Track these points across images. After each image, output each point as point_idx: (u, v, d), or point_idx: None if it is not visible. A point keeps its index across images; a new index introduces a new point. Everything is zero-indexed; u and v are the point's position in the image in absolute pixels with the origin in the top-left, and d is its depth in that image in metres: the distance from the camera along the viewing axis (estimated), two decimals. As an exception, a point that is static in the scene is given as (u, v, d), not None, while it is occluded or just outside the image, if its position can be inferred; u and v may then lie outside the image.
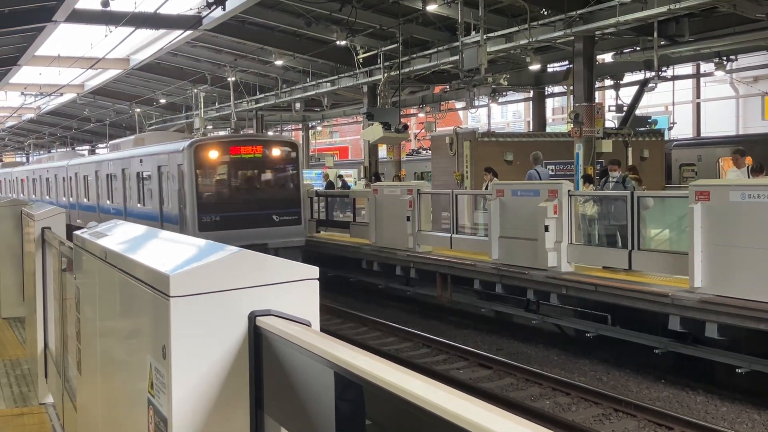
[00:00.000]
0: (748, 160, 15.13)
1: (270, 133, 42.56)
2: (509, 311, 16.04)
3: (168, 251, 3.35)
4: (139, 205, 23.55)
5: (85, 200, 30.38)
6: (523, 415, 9.27)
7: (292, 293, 2.64)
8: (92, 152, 57.08)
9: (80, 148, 64.95)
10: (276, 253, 17.49)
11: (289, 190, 20.85)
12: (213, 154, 19.77)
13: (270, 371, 2.56)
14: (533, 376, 12.21)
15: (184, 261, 2.75)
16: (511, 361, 13.13)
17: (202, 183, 19.73)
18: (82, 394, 4.74)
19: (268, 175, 21.13)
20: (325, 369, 2.16)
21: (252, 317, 2.58)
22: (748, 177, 13.75)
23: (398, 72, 24.67)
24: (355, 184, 34.04)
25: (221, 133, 44.58)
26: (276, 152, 20.69)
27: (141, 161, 23.40)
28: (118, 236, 4.10)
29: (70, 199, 32.73)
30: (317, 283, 2.69)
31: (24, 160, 67.44)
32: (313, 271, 2.70)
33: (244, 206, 19.76)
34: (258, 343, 2.57)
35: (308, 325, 2.57)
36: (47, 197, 36.68)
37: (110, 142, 31.25)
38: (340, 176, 34.70)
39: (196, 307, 2.55)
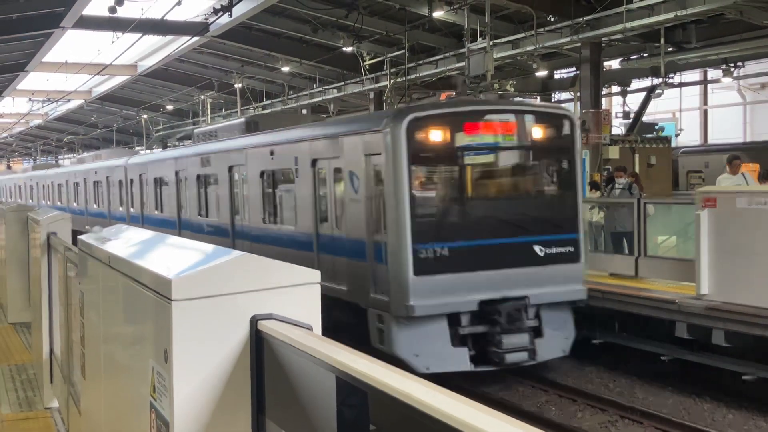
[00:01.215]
0: (756, 166, 15.10)
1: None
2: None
3: (171, 256, 3.36)
4: (266, 223, 15.65)
5: (157, 212, 22.46)
6: (529, 421, 9.19)
7: (293, 297, 2.64)
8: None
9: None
10: (537, 312, 11.72)
11: (561, 199, 12.39)
12: (436, 136, 11.47)
13: (271, 375, 2.55)
14: (539, 383, 12.17)
15: (186, 265, 2.75)
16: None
17: (421, 188, 11.65)
18: (86, 399, 4.74)
19: (525, 173, 12.72)
20: (327, 373, 2.15)
21: (253, 321, 2.58)
22: (746, 183, 13.69)
23: (404, 78, 24.67)
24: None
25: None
26: (537, 132, 12.18)
27: (272, 153, 15.25)
28: (122, 241, 4.11)
29: (131, 209, 24.96)
30: (318, 287, 2.69)
31: (54, 162, 59.30)
32: (315, 275, 2.70)
33: (486, 231, 11.60)
34: (259, 346, 2.57)
35: (310, 329, 2.56)
36: (95, 206, 29.35)
37: (196, 130, 23.00)
38: None
39: (198, 311, 2.56)
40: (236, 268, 2.63)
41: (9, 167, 73.60)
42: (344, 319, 12.67)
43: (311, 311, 2.66)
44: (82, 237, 4.72)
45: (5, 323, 12.39)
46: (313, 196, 13.54)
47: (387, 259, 11.32)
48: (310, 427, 2.37)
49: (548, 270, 11.66)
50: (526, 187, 12.65)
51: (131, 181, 24.89)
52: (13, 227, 12.20)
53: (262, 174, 15.68)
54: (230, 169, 17.10)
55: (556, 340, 11.82)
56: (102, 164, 29.20)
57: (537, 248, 11.68)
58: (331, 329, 12.66)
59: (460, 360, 11.23)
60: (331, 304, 13.13)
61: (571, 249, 11.90)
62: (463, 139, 11.70)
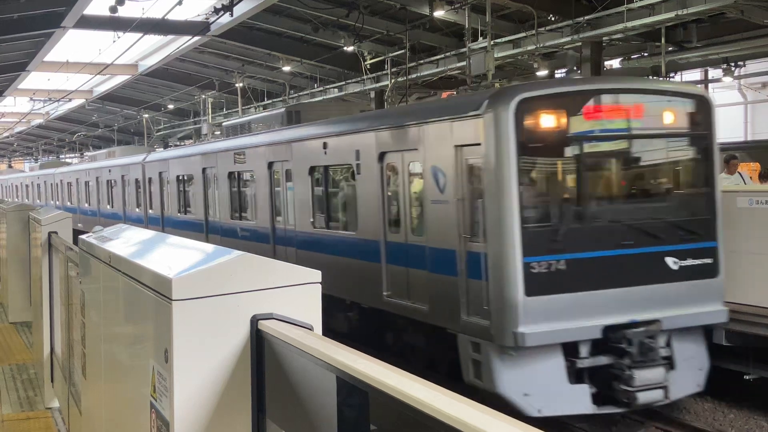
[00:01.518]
0: (757, 165, 15.09)
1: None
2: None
3: (172, 255, 3.36)
4: (317, 228, 13.66)
5: (180, 214, 20.78)
6: (529, 421, 9.20)
7: (294, 297, 2.64)
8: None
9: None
10: (669, 340, 9.75)
11: (697, 200, 10.40)
12: (552, 121, 9.47)
13: (272, 375, 2.55)
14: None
15: (187, 265, 2.75)
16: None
17: (533, 187, 9.79)
18: (87, 399, 4.74)
19: (656, 167, 10.68)
20: (327, 373, 2.15)
21: (254, 321, 2.58)
22: (744, 183, 13.68)
23: (405, 78, 24.66)
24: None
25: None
26: (669, 116, 10.14)
27: (325, 146, 13.15)
28: (123, 240, 4.11)
29: (149, 210, 23.35)
30: (319, 287, 2.68)
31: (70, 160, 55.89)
32: (316, 274, 2.70)
33: (611, 240, 9.58)
34: (260, 346, 2.57)
35: (310, 328, 2.56)
36: (108, 207, 27.77)
37: (225, 123, 20.70)
38: None
39: (199, 311, 2.56)
40: (237, 267, 2.63)
41: (10, 166, 73.69)
42: (421, 345, 11.22)
43: (312, 311, 2.66)
44: (82, 237, 4.72)
45: (6, 323, 12.41)
46: (380, 196, 11.59)
47: (488, 275, 9.32)
48: (310, 427, 2.37)
49: (683, 287, 9.73)
50: (658, 184, 10.62)
51: (149, 179, 23.17)
52: (14, 227, 12.22)
53: (311, 170, 13.67)
54: (270, 165, 15.14)
55: (690, 373, 9.89)
56: (116, 162, 27.35)
57: (670, 260, 9.72)
58: (399, 353, 11.42)
59: (580, 400, 9.28)
60: (403, 326, 11.41)
61: (709, 261, 9.94)
62: (583, 125, 9.71)
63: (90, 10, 22.24)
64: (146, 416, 2.87)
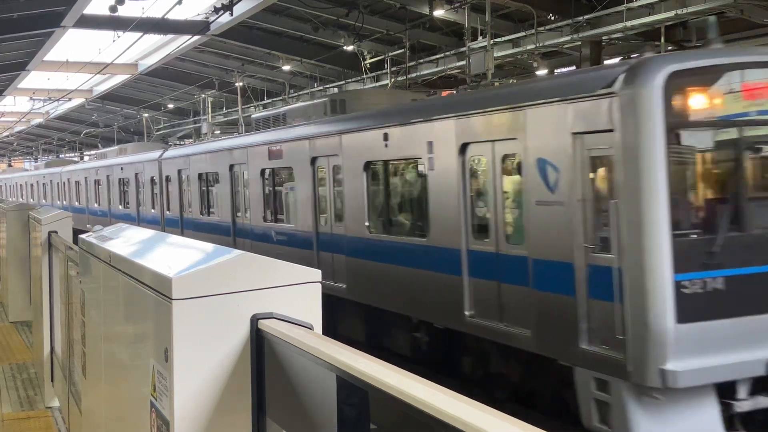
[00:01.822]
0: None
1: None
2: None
3: (171, 255, 3.36)
4: (373, 232, 11.91)
5: (202, 216, 18.96)
6: (530, 421, 9.23)
7: (294, 296, 2.64)
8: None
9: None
10: None
11: None
12: (706, 101, 7.60)
13: (272, 374, 2.55)
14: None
15: (187, 264, 2.75)
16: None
17: (684, 185, 7.88)
18: (87, 398, 4.74)
19: None
20: (327, 372, 2.16)
21: (254, 320, 2.58)
22: None
23: (405, 77, 24.67)
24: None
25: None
26: None
27: (386, 138, 11.56)
28: (123, 240, 4.11)
29: (166, 212, 21.56)
30: (319, 286, 2.68)
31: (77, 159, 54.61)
32: (315, 274, 2.70)
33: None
34: (260, 345, 2.57)
35: (310, 328, 2.56)
36: (120, 207, 26.02)
37: (254, 116, 19.39)
38: None
39: (199, 310, 2.56)
40: (237, 267, 2.63)
41: (10, 165, 73.73)
42: (516, 376, 9.44)
43: (312, 310, 2.66)
44: (82, 236, 4.72)
45: (6, 322, 12.42)
46: (461, 196, 9.78)
47: (622, 295, 7.40)
48: (310, 426, 2.37)
49: None
50: None
51: (167, 178, 21.31)
52: (14, 226, 12.23)
53: (367, 166, 11.94)
54: (314, 160, 13.44)
55: None
56: (130, 159, 25.54)
57: None
58: (483, 383, 9.70)
59: None
60: (491, 352, 9.71)
61: None
62: (743, 106, 7.72)
63: (90, 10, 22.27)
64: (146, 416, 2.88)
